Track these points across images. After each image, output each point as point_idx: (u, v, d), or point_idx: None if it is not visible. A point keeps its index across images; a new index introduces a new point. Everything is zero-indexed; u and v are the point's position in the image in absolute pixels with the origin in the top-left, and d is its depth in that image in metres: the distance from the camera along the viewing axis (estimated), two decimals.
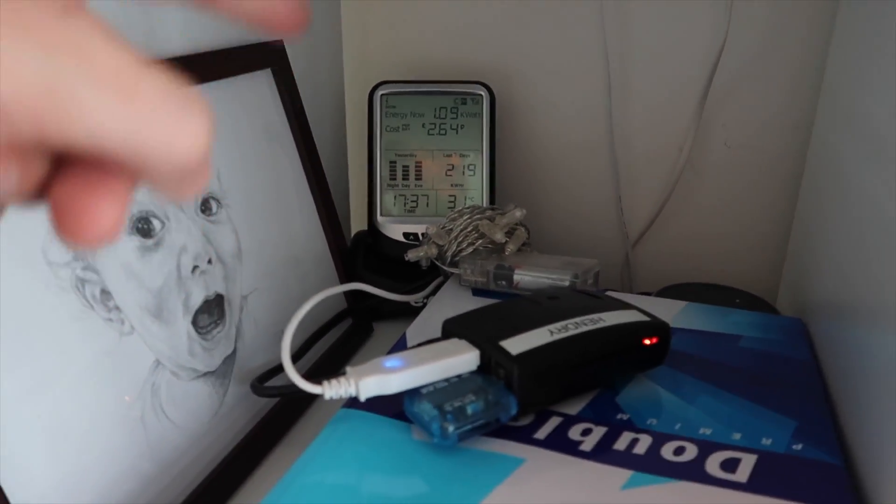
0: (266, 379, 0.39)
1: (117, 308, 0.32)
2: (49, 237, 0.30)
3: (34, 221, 0.29)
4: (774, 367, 0.38)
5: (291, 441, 0.41)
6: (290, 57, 0.50)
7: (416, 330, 0.42)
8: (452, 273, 0.48)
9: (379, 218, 0.56)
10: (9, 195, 0.13)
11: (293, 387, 0.33)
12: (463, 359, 0.32)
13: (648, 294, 0.53)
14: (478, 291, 0.47)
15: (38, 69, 0.11)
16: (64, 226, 0.13)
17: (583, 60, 0.58)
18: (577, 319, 0.34)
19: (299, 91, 0.50)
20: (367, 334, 0.53)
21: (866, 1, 0.42)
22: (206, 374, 0.37)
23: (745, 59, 0.55)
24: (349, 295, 0.53)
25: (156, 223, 0.35)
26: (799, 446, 0.31)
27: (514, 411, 0.31)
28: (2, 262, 0.28)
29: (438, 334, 0.36)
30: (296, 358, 0.44)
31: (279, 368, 0.41)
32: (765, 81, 0.55)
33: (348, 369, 0.32)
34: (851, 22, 0.46)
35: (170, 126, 0.13)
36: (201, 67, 0.40)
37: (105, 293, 0.32)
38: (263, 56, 0.47)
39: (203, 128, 0.13)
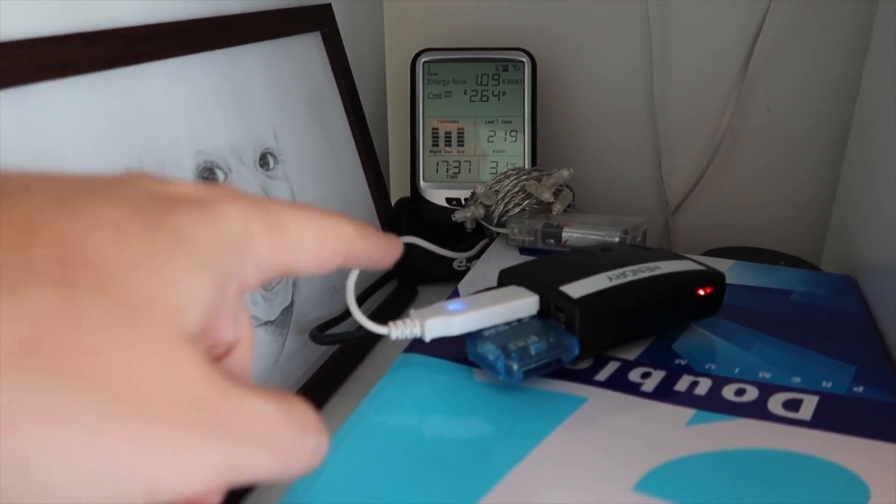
0: (323, 330, 0.40)
1: None
2: None
3: (112, 160, 0.30)
4: (827, 318, 0.38)
5: (347, 391, 0.41)
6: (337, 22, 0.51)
7: (467, 285, 0.42)
8: (500, 233, 0.48)
9: (422, 184, 0.57)
10: None
11: (353, 333, 0.34)
12: (524, 303, 0.33)
13: None
14: (525, 251, 0.47)
15: (221, 460, 0.14)
16: None
17: (624, 26, 0.59)
18: (635, 267, 0.35)
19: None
20: (411, 296, 0.53)
21: None
22: (266, 322, 0.38)
23: (789, 22, 0.54)
24: None
25: (220, 174, 0.36)
26: (860, 388, 0.31)
27: (576, 352, 0.31)
28: None
29: (496, 284, 0.36)
30: (345, 316, 0.45)
31: (335, 321, 0.41)
32: (809, 45, 0.55)
33: (412, 311, 0.32)
34: None
35: (301, 457, 0.17)
36: (257, 26, 0.41)
37: None
38: (314, 19, 0.47)
39: (322, 445, 0.17)
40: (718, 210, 0.61)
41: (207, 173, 0.35)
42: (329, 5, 0.49)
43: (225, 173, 0.36)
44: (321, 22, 0.48)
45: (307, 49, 0.47)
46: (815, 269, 0.51)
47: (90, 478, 0.12)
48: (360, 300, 0.47)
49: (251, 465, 0.15)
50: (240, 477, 0.15)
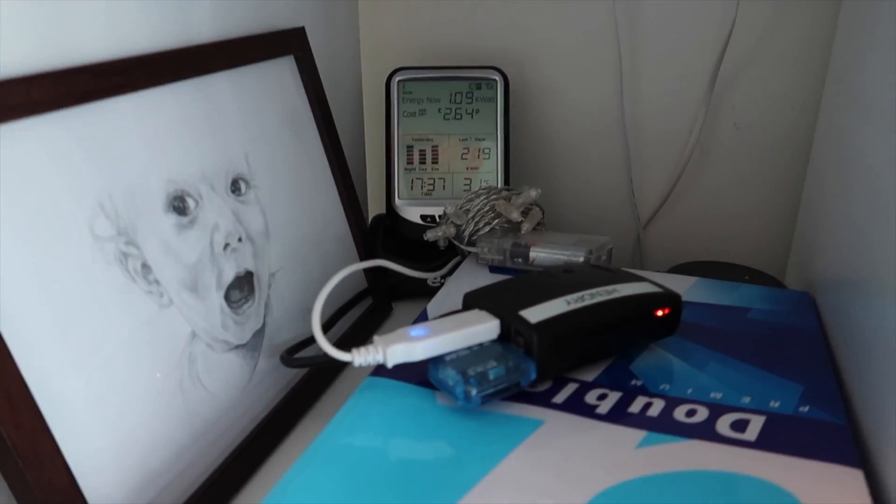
0: (295, 352, 0.41)
1: (157, 281, 0.34)
2: (94, 211, 0.31)
3: (81, 196, 0.31)
4: (782, 336, 0.39)
5: (318, 412, 0.42)
6: (312, 44, 0.52)
7: (437, 305, 0.43)
8: (470, 251, 0.49)
9: (397, 201, 0.58)
10: None
11: (322, 357, 0.35)
12: (484, 327, 0.34)
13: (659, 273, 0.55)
14: (495, 269, 0.48)
15: None
16: None
17: (594, 45, 0.60)
18: (593, 290, 0.36)
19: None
20: (386, 313, 0.55)
21: None
22: (237, 346, 0.39)
23: (753, 40, 0.56)
24: (370, 275, 0.54)
25: (190, 202, 0.37)
26: (806, 408, 0.33)
27: (533, 376, 0.32)
28: (53, 234, 0.29)
29: (461, 307, 0.37)
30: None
31: (306, 342, 0.42)
32: (773, 63, 0.56)
33: (376, 338, 0.33)
34: (857, 3, 0.47)
35: None
36: (228, 54, 0.42)
37: (146, 267, 0.33)
38: (287, 43, 0.48)
39: None
40: (689, 224, 0.62)
41: (178, 202, 0.36)
42: (302, 28, 0.50)
43: (196, 201, 0.37)
44: (294, 46, 0.49)
45: (280, 73, 0.48)
46: (779, 285, 0.52)
47: None
48: (335, 318, 0.48)
49: None
50: None
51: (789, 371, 0.36)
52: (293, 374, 0.43)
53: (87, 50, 0.33)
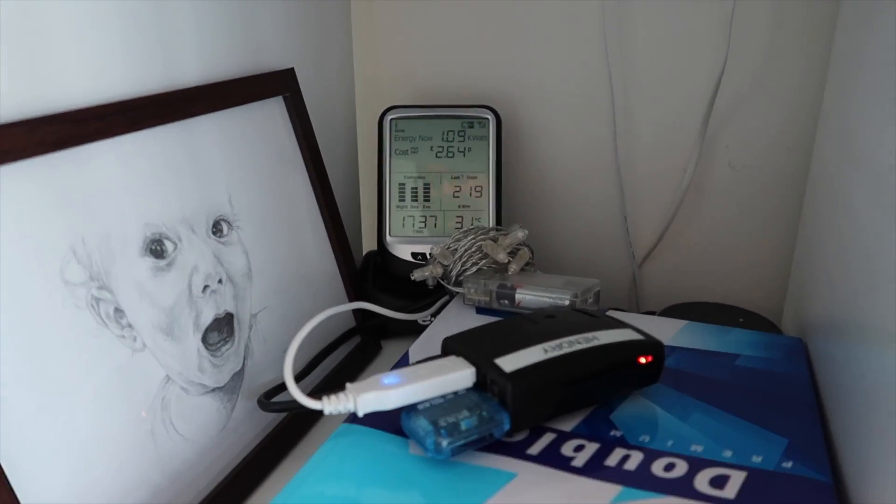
0: (273, 395, 0.40)
1: (130, 326, 0.34)
2: (66, 257, 0.31)
3: (51, 243, 0.31)
4: (769, 385, 0.38)
5: (298, 456, 0.42)
6: (303, 83, 0.52)
7: (420, 347, 0.43)
8: (457, 292, 0.49)
9: (388, 238, 0.58)
10: None
11: (297, 402, 0.34)
12: (459, 375, 0.33)
13: (653, 313, 0.54)
14: (481, 310, 0.48)
15: None
16: None
17: (587, 84, 0.60)
18: (572, 338, 0.35)
19: (311, 116, 0.52)
20: (375, 352, 0.54)
21: (862, 25, 0.43)
22: (214, 389, 0.38)
23: (745, 81, 0.56)
24: (358, 313, 0.54)
25: (168, 245, 0.37)
26: (789, 464, 0.31)
27: (507, 427, 0.32)
28: (21, 281, 0.29)
29: (440, 352, 0.37)
30: (304, 374, 0.46)
31: (285, 385, 0.42)
32: (766, 102, 0.56)
33: (348, 385, 0.33)
34: (848, 45, 0.46)
35: None
36: (214, 97, 0.42)
37: (118, 311, 0.33)
38: (275, 84, 0.49)
39: None
40: (684, 263, 0.61)
41: (156, 245, 0.36)
42: (291, 70, 0.51)
43: (174, 243, 0.37)
44: (283, 87, 0.49)
45: (269, 113, 0.48)
46: (774, 328, 0.51)
47: None
48: (321, 357, 0.48)
49: None
50: None
51: (775, 423, 0.35)
52: (272, 418, 0.43)
53: (65, 96, 0.33)
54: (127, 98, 0.36)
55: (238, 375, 0.40)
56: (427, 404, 0.33)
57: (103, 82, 0.36)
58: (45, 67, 0.32)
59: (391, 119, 0.59)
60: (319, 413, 0.46)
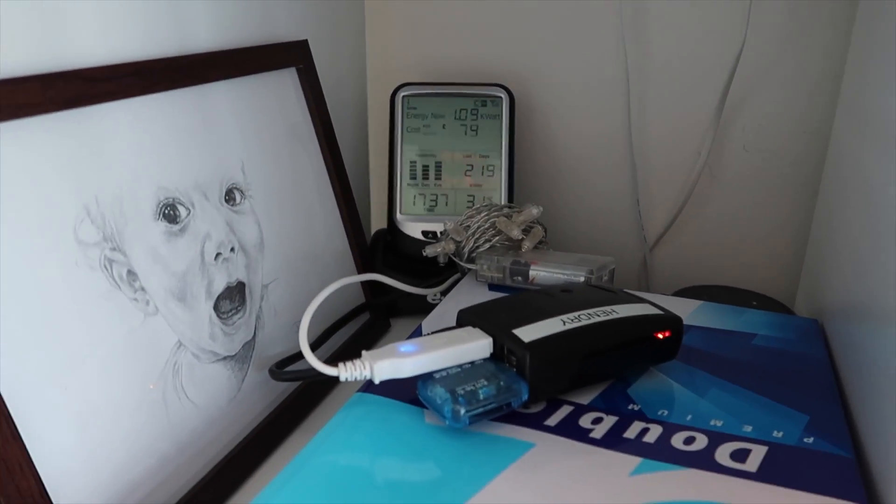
0: (284, 366, 0.40)
1: (142, 289, 0.33)
2: (80, 216, 0.31)
3: (66, 201, 0.31)
4: (788, 364, 0.38)
5: (307, 427, 0.41)
6: (316, 57, 0.51)
7: (433, 322, 0.42)
8: (469, 269, 0.49)
9: (399, 216, 0.57)
10: None
11: (310, 371, 0.34)
12: (476, 345, 0.33)
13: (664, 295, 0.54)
14: (494, 287, 0.47)
15: None
16: None
17: (602, 65, 0.59)
18: (591, 311, 0.35)
19: (323, 90, 0.52)
20: (384, 329, 0.54)
21: (884, 6, 0.42)
22: (225, 357, 0.38)
23: (763, 63, 0.55)
24: (368, 289, 0.54)
25: (182, 210, 0.36)
26: (810, 439, 0.31)
27: (525, 397, 0.31)
28: (35, 238, 0.29)
29: (455, 324, 0.36)
30: (313, 348, 0.45)
31: (296, 357, 0.41)
32: (783, 86, 0.55)
33: (364, 353, 0.32)
34: (869, 27, 0.46)
35: None
36: (228, 64, 0.42)
37: (131, 274, 0.33)
38: (289, 55, 0.48)
39: None
40: (696, 247, 0.61)
41: (169, 209, 0.36)
42: (305, 41, 0.50)
43: (187, 209, 0.37)
44: (297, 58, 0.49)
45: (282, 84, 0.47)
46: (787, 311, 0.51)
47: None
48: (330, 332, 0.47)
49: None
50: None
51: (794, 400, 0.34)
52: (283, 388, 0.42)
53: (79, 55, 0.33)
54: (140, 60, 0.36)
55: (249, 345, 0.40)
56: (444, 373, 0.32)
57: (117, 44, 0.35)
58: (61, 26, 0.32)
59: (403, 96, 0.58)
60: (329, 385, 0.45)
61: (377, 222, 0.69)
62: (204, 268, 0.37)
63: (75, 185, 0.31)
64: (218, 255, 0.38)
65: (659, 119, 0.59)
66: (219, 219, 0.39)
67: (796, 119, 0.56)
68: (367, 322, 0.52)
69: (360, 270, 0.53)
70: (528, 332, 0.33)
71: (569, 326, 0.33)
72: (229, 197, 0.40)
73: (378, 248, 0.58)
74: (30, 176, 0.29)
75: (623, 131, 0.60)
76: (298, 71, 0.49)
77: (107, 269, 0.32)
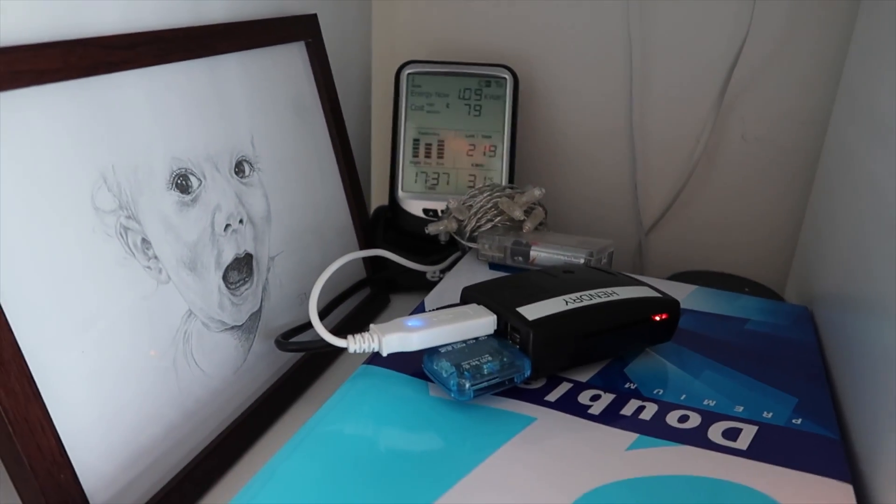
0: (289, 337, 0.41)
1: (156, 257, 0.34)
2: (97, 183, 0.31)
3: (84, 167, 0.31)
4: (778, 348, 0.39)
5: (310, 398, 0.42)
6: (323, 33, 0.52)
7: (435, 298, 0.43)
8: (471, 247, 0.49)
9: (400, 193, 0.58)
10: None
11: (317, 342, 0.35)
12: (481, 322, 0.34)
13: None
14: (494, 266, 0.48)
15: None
16: None
17: (606, 48, 0.60)
18: (592, 292, 0.36)
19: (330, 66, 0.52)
20: (383, 305, 0.54)
21: (886, 2, 0.43)
22: (233, 327, 0.39)
23: (765, 53, 0.56)
24: (368, 265, 0.54)
25: (193, 180, 0.37)
26: (798, 420, 0.32)
27: (528, 373, 0.32)
28: (54, 204, 0.29)
29: (458, 301, 0.37)
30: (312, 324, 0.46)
31: (301, 328, 0.42)
32: (784, 76, 0.56)
33: (372, 326, 0.33)
34: (871, 19, 0.47)
35: None
36: (239, 36, 0.42)
37: (145, 242, 0.33)
38: (298, 29, 0.48)
39: None
40: (691, 233, 0.62)
41: (182, 179, 0.36)
42: (314, 16, 0.50)
43: (199, 180, 0.37)
44: (305, 32, 0.49)
45: (290, 58, 0.47)
46: (778, 298, 0.52)
47: None
48: (332, 306, 0.48)
49: None
50: None
51: (784, 383, 0.36)
52: (287, 359, 0.43)
53: (97, 23, 0.33)
54: (156, 29, 0.36)
55: (255, 316, 0.41)
56: (449, 348, 0.33)
57: (134, 13, 0.35)
58: None
59: (408, 74, 0.58)
60: (331, 358, 0.46)
61: (378, 199, 0.69)
62: (214, 238, 0.38)
63: (93, 153, 0.31)
64: (227, 226, 0.39)
65: (660, 106, 0.60)
66: (229, 190, 0.39)
67: (795, 109, 0.57)
68: (367, 297, 0.53)
69: (362, 245, 0.54)
70: (532, 311, 0.34)
71: (571, 306, 0.34)
72: (239, 169, 0.41)
73: (379, 224, 0.58)
74: (50, 142, 0.30)
75: (624, 117, 0.61)
76: (307, 45, 0.49)
77: (122, 237, 0.32)
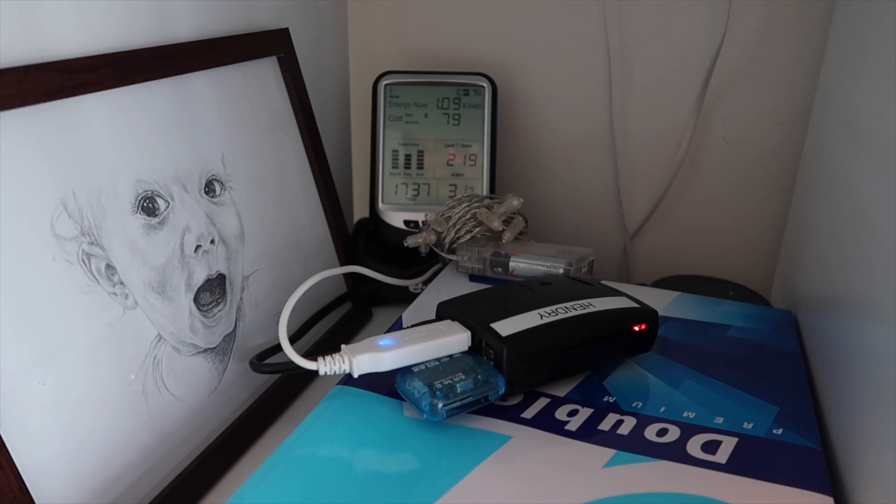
0: (265, 357, 0.40)
1: (121, 283, 0.33)
2: (57, 210, 0.31)
3: (42, 195, 0.30)
4: (760, 355, 0.39)
5: (288, 419, 0.42)
6: (298, 46, 0.51)
7: (413, 313, 0.43)
8: (450, 259, 0.49)
9: (381, 205, 0.57)
10: None
11: (290, 364, 0.34)
12: (455, 339, 0.33)
13: (644, 286, 0.54)
14: (475, 278, 0.48)
15: None
16: None
17: (584, 54, 0.59)
18: (567, 304, 0.35)
19: (305, 79, 0.51)
20: (365, 319, 0.54)
21: (861, 2, 0.42)
22: (206, 350, 0.38)
23: (743, 55, 0.55)
24: (349, 279, 0.54)
25: (161, 203, 0.36)
26: (779, 431, 0.32)
27: (502, 390, 0.32)
28: (12, 234, 0.29)
29: (434, 317, 0.37)
30: (294, 339, 0.45)
31: (278, 348, 0.42)
32: (762, 77, 0.56)
33: (343, 347, 0.33)
34: (847, 20, 0.46)
35: None
36: (208, 54, 0.41)
37: (110, 268, 0.33)
38: (269, 44, 0.48)
39: None
40: (676, 237, 0.62)
41: (148, 202, 0.36)
42: (286, 30, 0.50)
43: (167, 202, 0.37)
44: (277, 47, 0.48)
45: (262, 74, 0.47)
46: (763, 301, 0.52)
47: None
48: (311, 323, 0.47)
49: None
50: None
51: (765, 391, 0.35)
52: (264, 380, 0.42)
53: (56, 46, 0.32)
54: (118, 51, 0.35)
55: (230, 337, 0.40)
56: (422, 367, 0.33)
57: (95, 34, 0.35)
58: (36, 16, 0.31)
59: (386, 84, 0.58)
60: (310, 377, 0.46)
61: (360, 211, 0.69)
62: (184, 260, 0.37)
63: (52, 179, 0.31)
64: (198, 247, 0.38)
65: (640, 110, 0.59)
66: (198, 211, 0.39)
67: (775, 110, 0.56)
68: (348, 312, 0.53)
69: (342, 260, 0.53)
70: (506, 326, 0.33)
71: (546, 320, 0.34)
72: (209, 188, 0.40)
73: (360, 237, 0.58)
74: (5, 170, 0.29)
75: (605, 122, 0.60)
76: (279, 60, 0.49)
77: (85, 264, 0.32)
